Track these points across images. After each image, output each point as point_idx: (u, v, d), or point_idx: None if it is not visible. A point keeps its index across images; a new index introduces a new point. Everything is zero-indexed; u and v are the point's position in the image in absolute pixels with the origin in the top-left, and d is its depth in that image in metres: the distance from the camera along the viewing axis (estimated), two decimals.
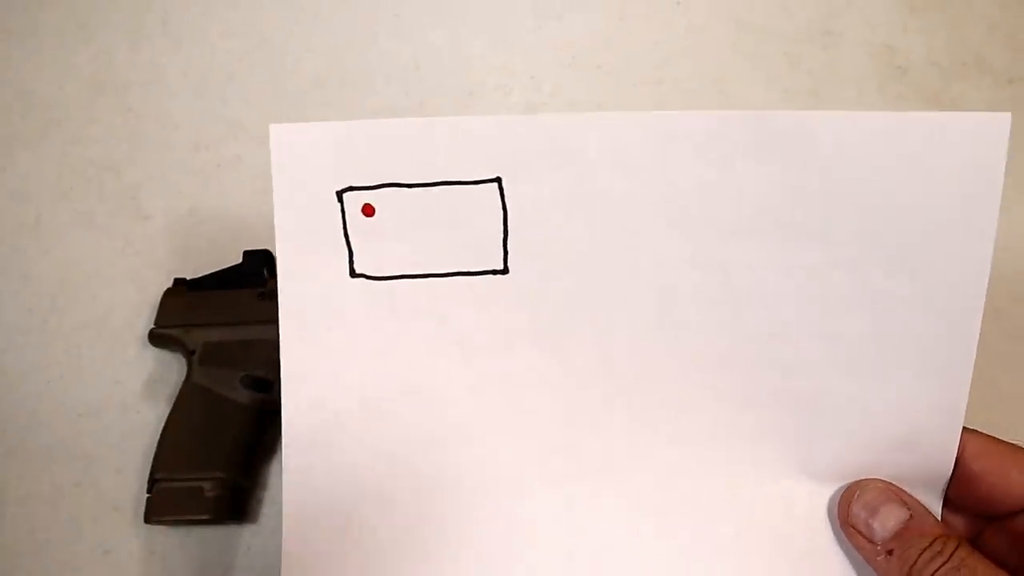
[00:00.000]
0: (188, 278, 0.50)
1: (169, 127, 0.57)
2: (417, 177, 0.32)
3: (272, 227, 0.54)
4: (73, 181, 0.56)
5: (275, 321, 0.47)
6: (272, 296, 0.48)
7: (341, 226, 0.33)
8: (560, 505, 0.34)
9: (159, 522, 0.45)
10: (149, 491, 0.45)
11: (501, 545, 0.34)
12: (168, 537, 0.48)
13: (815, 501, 0.34)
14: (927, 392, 0.33)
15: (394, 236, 0.33)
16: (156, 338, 0.49)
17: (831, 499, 0.34)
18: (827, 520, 0.34)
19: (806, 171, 0.31)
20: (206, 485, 0.45)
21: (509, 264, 0.33)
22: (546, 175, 0.32)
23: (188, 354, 0.48)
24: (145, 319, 0.51)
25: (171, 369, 0.51)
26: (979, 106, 0.57)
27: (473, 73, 0.59)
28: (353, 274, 0.33)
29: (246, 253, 0.50)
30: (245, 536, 0.48)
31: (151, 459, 0.46)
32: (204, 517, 0.45)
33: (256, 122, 0.57)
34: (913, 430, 0.33)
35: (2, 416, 0.50)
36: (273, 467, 0.49)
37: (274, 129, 0.32)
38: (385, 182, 0.32)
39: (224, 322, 0.48)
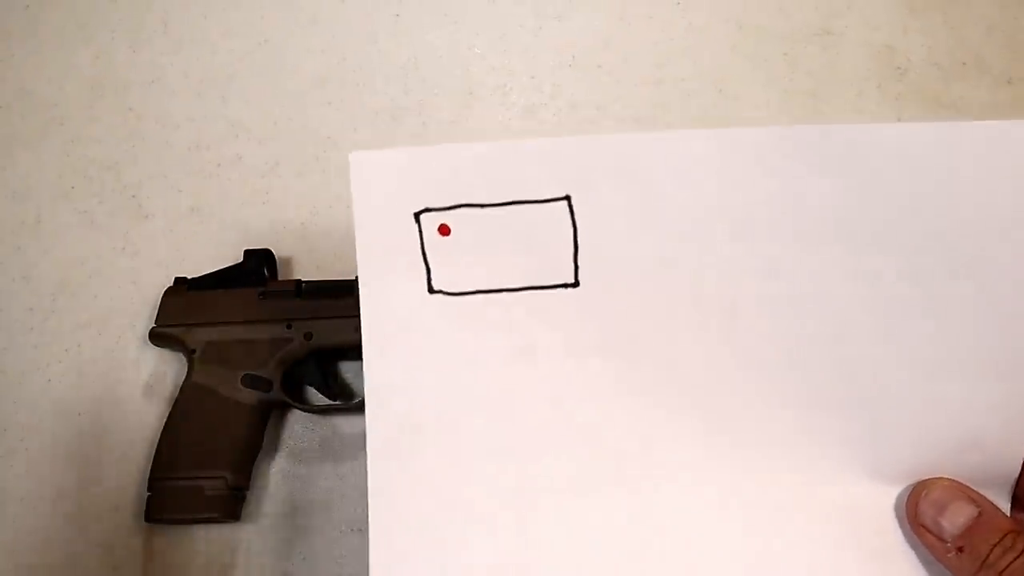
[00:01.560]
0: (188, 277, 0.50)
1: (169, 127, 0.57)
2: (490, 197, 0.34)
3: (273, 226, 0.55)
4: (73, 180, 0.56)
5: (275, 321, 0.48)
6: (272, 296, 0.49)
7: (419, 245, 0.34)
8: (630, 509, 0.35)
9: (159, 522, 0.45)
10: (149, 491, 0.45)
11: (574, 547, 0.35)
12: (168, 537, 0.48)
13: (882, 501, 0.34)
14: (991, 393, 0.33)
15: (469, 253, 0.34)
16: (156, 337, 0.49)
17: (898, 499, 0.34)
18: (895, 520, 0.34)
19: (867, 181, 0.32)
20: (206, 485, 0.45)
21: (579, 278, 0.34)
22: (613, 192, 0.33)
23: (189, 353, 0.48)
24: (145, 319, 0.51)
25: (171, 369, 0.51)
26: (979, 107, 0.57)
27: (473, 73, 0.59)
28: (431, 290, 0.35)
29: (247, 252, 0.50)
30: (245, 536, 0.48)
31: (151, 459, 0.46)
32: (204, 516, 0.45)
33: (256, 122, 0.57)
34: (978, 431, 0.33)
35: (2, 416, 0.50)
36: (273, 467, 0.49)
37: (353, 157, 0.34)
38: (460, 203, 0.34)
39: (225, 321, 0.48)
